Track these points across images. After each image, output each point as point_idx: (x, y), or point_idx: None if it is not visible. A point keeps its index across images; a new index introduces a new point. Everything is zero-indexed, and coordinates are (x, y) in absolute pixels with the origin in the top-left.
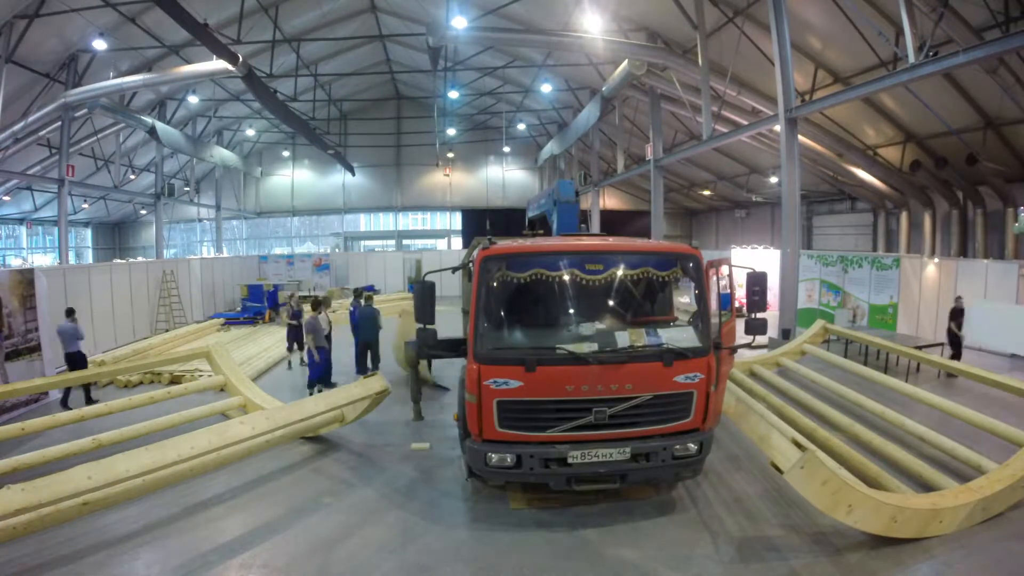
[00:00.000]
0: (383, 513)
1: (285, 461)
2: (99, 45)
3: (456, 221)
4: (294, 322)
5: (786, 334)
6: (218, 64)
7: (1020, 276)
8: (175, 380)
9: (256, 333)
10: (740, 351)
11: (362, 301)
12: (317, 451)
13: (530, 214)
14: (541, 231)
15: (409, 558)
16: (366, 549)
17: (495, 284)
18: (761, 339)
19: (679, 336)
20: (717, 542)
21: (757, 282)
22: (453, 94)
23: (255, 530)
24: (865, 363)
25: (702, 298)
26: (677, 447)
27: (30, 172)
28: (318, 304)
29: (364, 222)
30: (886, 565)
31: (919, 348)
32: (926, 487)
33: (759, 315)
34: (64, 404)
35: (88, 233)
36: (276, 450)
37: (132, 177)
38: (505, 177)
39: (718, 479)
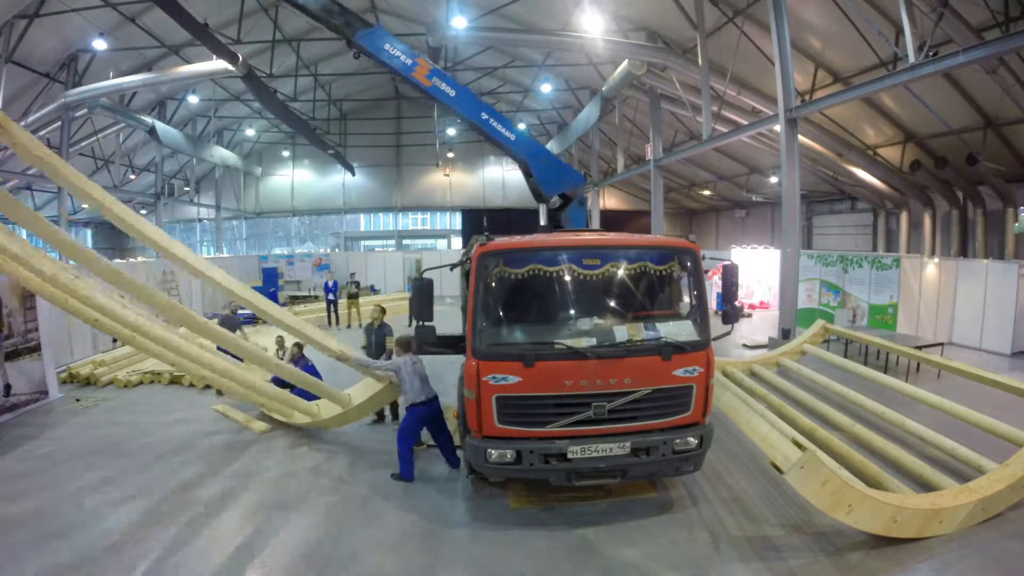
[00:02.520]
0: (383, 513)
1: (285, 461)
2: (99, 45)
3: (456, 221)
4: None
5: (786, 334)
6: (218, 64)
7: (1020, 276)
8: (175, 380)
9: (256, 334)
10: (740, 351)
11: None
12: (317, 451)
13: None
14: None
15: (409, 558)
16: (366, 549)
17: (493, 280)
18: (761, 339)
19: (677, 330)
20: (717, 542)
21: (732, 273)
22: None
23: (254, 530)
24: (865, 363)
25: (700, 292)
26: (677, 441)
27: (30, 172)
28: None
29: (364, 222)
30: (886, 565)
31: (919, 348)
32: (926, 487)
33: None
34: None
35: (88, 233)
36: (276, 450)
37: (132, 177)
38: (505, 177)
39: (718, 479)
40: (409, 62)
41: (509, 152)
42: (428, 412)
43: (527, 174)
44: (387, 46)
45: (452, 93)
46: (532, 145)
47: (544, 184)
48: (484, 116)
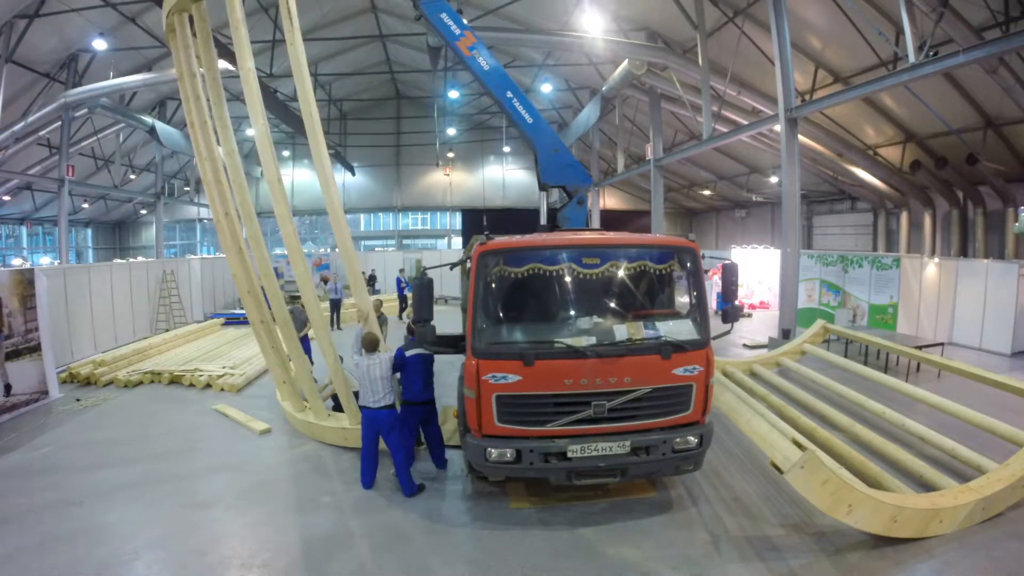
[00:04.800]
0: (383, 512)
1: (285, 461)
2: (99, 45)
3: (456, 221)
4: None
5: (786, 334)
6: (218, 64)
7: (1020, 276)
8: (175, 380)
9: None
10: (739, 351)
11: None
12: (317, 451)
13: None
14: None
15: (409, 558)
16: (366, 549)
17: (493, 279)
18: (761, 339)
19: (677, 329)
20: (717, 542)
21: (732, 273)
22: (453, 94)
23: (255, 530)
24: (865, 363)
25: (700, 291)
26: (677, 440)
27: (30, 172)
28: None
29: (364, 222)
30: (886, 565)
31: (919, 348)
32: (926, 487)
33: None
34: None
35: (88, 233)
36: (276, 450)
37: (132, 177)
38: (505, 177)
39: (718, 479)
40: (457, 32)
41: (523, 134)
42: (372, 416)
43: (536, 160)
44: (443, 15)
45: (486, 67)
46: (546, 133)
47: (544, 173)
48: (509, 95)
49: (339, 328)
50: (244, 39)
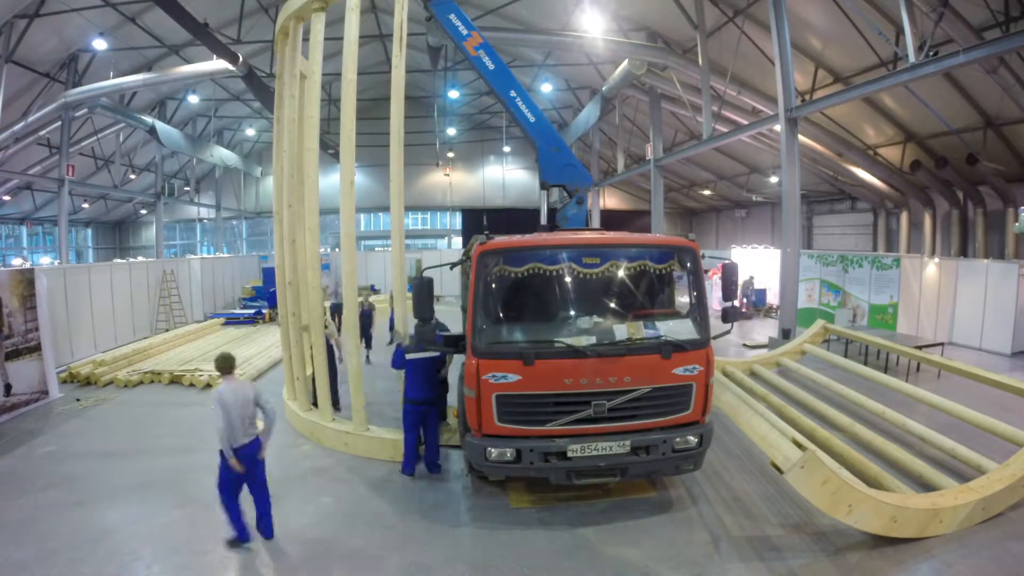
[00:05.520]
0: (383, 512)
1: (285, 460)
2: (99, 45)
3: (456, 221)
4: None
5: (786, 334)
6: (218, 64)
7: (1020, 276)
8: (175, 380)
9: (256, 333)
10: (740, 351)
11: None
12: (316, 451)
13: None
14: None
15: (409, 558)
16: (366, 548)
17: (493, 279)
18: (761, 339)
19: (677, 328)
20: (717, 542)
21: (731, 272)
22: (453, 94)
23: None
24: (865, 363)
25: (700, 291)
26: (677, 440)
27: (30, 172)
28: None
29: (364, 222)
30: (886, 565)
31: (919, 348)
32: (926, 487)
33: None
34: None
35: (88, 233)
36: (276, 449)
37: (132, 177)
38: (505, 177)
39: (718, 479)
40: (465, 32)
41: (526, 133)
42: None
43: (538, 159)
44: (451, 16)
45: (491, 67)
46: (548, 131)
47: (544, 171)
48: (512, 94)
49: None
50: (354, 54)
